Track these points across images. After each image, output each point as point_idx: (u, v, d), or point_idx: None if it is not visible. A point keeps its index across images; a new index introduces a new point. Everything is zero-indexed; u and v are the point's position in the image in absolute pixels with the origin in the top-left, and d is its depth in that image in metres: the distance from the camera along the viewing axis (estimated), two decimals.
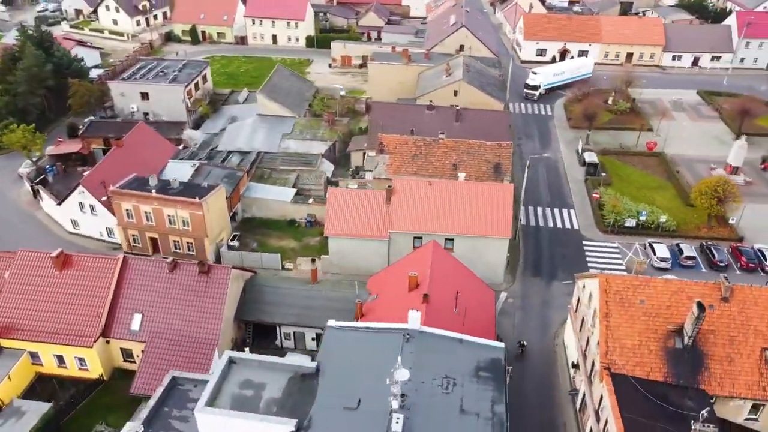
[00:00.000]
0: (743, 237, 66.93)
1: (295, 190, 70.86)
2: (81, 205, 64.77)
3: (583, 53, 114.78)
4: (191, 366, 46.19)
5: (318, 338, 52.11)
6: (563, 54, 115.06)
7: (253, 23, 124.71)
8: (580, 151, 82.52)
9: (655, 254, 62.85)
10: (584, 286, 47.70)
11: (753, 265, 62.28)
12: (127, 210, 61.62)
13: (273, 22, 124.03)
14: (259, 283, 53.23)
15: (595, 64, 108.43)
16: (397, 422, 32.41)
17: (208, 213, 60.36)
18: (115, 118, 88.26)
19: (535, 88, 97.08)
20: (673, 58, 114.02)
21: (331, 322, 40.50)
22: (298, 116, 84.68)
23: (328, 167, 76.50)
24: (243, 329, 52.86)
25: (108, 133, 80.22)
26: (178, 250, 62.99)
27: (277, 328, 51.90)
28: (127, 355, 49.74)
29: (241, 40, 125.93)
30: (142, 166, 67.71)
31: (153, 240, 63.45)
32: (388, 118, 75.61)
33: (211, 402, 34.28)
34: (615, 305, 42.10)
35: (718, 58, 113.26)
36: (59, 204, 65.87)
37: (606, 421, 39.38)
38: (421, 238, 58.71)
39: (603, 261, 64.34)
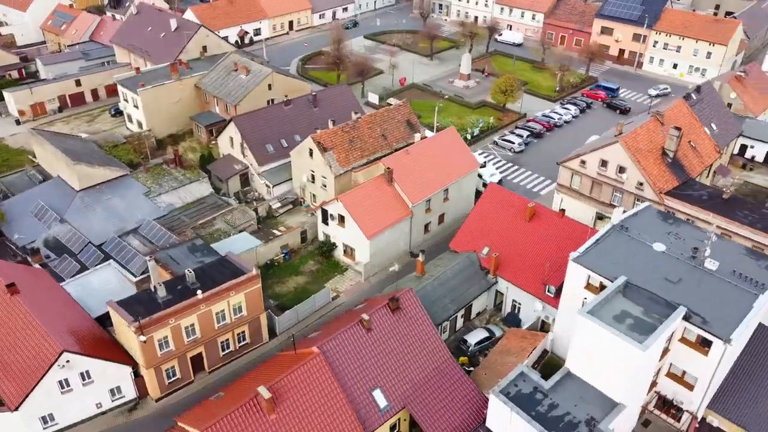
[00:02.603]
0: (526, 113, 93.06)
1: (245, 233, 61.75)
2: (63, 384, 43.00)
3: (257, 31, 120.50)
4: (458, 386, 43.82)
5: (465, 314, 53.81)
6: (242, 38, 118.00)
7: None
8: (377, 101, 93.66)
9: (514, 143, 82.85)
10: (583, 162, 63.74)
11: (551, 125, 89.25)
12: (161, 340, 44.89)
13: None
14: None
15: (270, 37, 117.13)
16: (713, 263, 43.81)
17: None
18: None
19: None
20: (320, 17, 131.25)
21: (572, 254, 46.05)
22: (130, 172, 68.59)
23: (229, 200, 67.38)
24: None
25: None
26: (228, 350, 49.96)
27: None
28: None
29: None
30: (53, 302, 48.78)
31: (195, 359, 48.15)
32: (257, 126, 70.70)
33: (634, 336, 38.15)
34: (638, 154, 60.13)
35: (347, 9, 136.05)
36: (15, 409, 41.72)
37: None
38: (429, 200, 63.10)
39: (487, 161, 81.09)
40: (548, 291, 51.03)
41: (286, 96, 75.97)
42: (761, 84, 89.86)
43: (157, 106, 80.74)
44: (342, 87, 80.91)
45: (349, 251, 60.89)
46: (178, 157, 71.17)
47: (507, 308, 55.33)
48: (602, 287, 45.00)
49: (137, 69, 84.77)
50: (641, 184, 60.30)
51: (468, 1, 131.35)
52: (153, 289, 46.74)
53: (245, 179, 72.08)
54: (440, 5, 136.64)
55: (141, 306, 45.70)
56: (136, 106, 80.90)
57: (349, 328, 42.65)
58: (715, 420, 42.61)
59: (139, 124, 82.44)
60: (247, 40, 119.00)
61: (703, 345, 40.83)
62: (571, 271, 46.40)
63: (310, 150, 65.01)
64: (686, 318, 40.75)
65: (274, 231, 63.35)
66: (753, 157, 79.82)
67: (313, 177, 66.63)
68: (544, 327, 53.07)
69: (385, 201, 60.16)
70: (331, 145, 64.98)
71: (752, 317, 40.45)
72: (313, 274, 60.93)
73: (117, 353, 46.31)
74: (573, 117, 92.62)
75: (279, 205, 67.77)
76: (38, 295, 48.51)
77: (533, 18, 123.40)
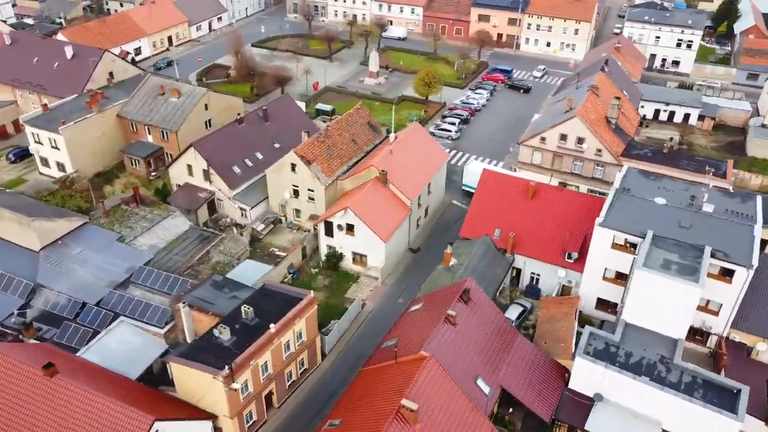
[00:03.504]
0: (446, 102, 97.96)
1: (248, 260, 58.92)
2: None
3: (138, 50, 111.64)
4: (533, 357, 47.02)
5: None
6: (124, 59, 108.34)
7: None
8: (304, 109, 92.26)
9: (451, 131, 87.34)
10: (544, 138, 69.78)
11: (473, 110, 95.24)
12: (244, 383, 42.15)
13: None
14: None
15: (153, 55, 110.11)
16: (710, 207, 51.58)
17: None
18: None
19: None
20: (197, 29, 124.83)
21: (598, 219, 51.20)
22: (89, 220, 61.42)
23: (215, 231, 63.45)
24: None
25: None
26: (291, 380, 48.18)
27: None
28: None
29: None
30: (88, 375, 43.95)
31: (268, 396, 45.70)
32: (218, 150, 67.05)
33: (687, 278, 44.31)
34: (592, 123, 67.43)
35: (221, 18, 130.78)
36: None
37: None
38: (420, 195, 65.00)
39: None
40: (568, 258, 56.01)
41: (238, 114, 72.71)
42: (631, 52, 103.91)
43: (79, 144, 72.56)
44: (286, 98, 79.20)
45: (359, 258, 60.90)
46: (138, 194, 65.07)
47: (525, 281, 59.52)
48: (627, 244, 50.90)
49: (45, 106, 75.12)
50: (599, 150, 67.87)
51: (345, 1, 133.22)
52: (216, 334, 43.60)
53: (212, 206, 68.14)
54: (316, 6, 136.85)
55: (207, 354, 42.58)
56: (55, 147, 71.93)
57: (440, 326, 43.76)
58: (737, 336, 50.59)
59: (60, 167, 73.41)
60: (129, 61, 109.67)
61: (725, 275, 48.26)
62: (597, 234, 51.59)
63: (293, 165, 63.43)
64: (712, 255, 47.85)
65: (278, 253, 61.14)
66: (645, 116, 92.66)
67: (296, 192, 65.10)
68: (563, 291, 58.12)
69: (386, 203, 61.05)
70: (312, 157, 63.99)
71: (758, 243, 48.73)
72: (327, 288, 60.04)
73: (191, 410, 42.64)
74: (487, 100, 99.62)
75: (263, 226, 65.27)
76: (72, 371, 42.73)
77: (412, 12, 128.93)
